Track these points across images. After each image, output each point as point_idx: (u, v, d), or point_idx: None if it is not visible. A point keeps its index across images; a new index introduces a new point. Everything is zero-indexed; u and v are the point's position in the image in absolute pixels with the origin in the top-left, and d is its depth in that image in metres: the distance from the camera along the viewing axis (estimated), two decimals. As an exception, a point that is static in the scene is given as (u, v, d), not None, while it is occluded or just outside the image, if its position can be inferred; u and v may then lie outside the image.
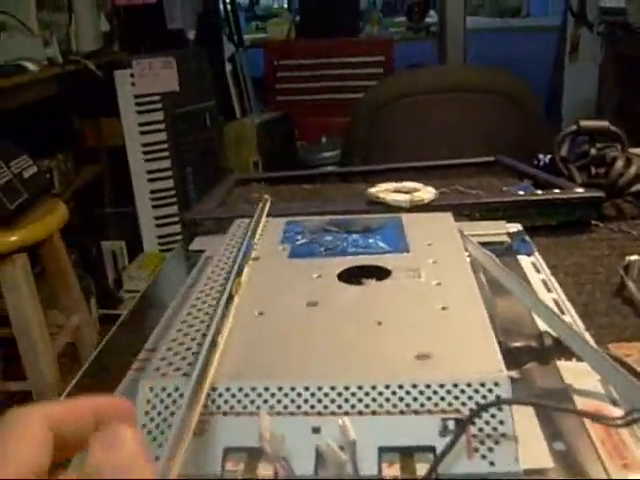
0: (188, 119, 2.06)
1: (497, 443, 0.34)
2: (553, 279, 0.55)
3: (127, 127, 2.03)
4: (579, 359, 0.42)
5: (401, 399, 0.36)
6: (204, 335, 0.42)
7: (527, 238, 0.63)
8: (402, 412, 0.36)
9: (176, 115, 2.04)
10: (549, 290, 0.54)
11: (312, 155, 2.48)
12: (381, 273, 0.50)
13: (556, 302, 0.52)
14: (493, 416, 0.35)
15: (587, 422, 0.38)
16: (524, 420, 0.38)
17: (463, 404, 0.36)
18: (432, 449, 0.34)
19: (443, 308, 0.44)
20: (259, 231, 0.59)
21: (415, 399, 0.36)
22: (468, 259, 0.54)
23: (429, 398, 0.36)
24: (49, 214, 1.30)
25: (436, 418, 0.35)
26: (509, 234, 0.64)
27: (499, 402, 0.35)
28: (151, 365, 0.40)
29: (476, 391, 0.36)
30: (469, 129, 1.34)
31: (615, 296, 0.55)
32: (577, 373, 0.42)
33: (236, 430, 0.36)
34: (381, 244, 0.54)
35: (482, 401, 0.35)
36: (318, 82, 2.69)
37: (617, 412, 0.39)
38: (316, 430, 0.36)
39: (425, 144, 1.27)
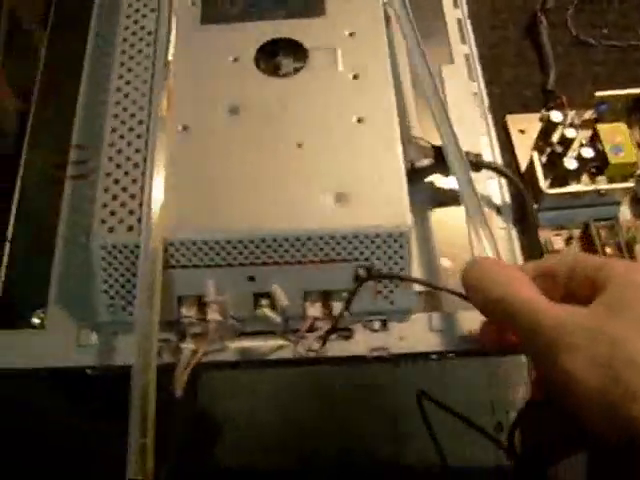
0: None
1: (397, 287, 0.44)
2: (469, 22, 0.55)
3: None
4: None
5: (321, 249, 0.43)
6: (136, 166, 0.45)
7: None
8: (322, 261, 0.43)
9: None
10: (463, 41, 0.54)
11: None
12: (297, 51, 0.49)
13: (467, 57, 0.54)
14: (396, 263, 0.43)
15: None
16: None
17: (372, 253, 0.43)
18: (346, 291, 0.43)
19: (359, 120, 0.46)
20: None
21: (333, 249, 0.43)
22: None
23: (344, 248, 0.43)
24: None
25: (350, 265, 0.43)
26: None
27: (395, 277, 0.43)
28: (95, 215, 0.43)
29: (384, 241, 0.43)
30: None
31: (525, 37, 0.56)
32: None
33: (185, 281, 0.43)
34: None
35: (388, 249, 0.43)
36: None
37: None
38: (252, 278, 0.43)
39: None
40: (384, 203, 0.43)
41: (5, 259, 0.47)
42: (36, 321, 0.45)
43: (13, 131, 0.98)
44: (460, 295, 0.37)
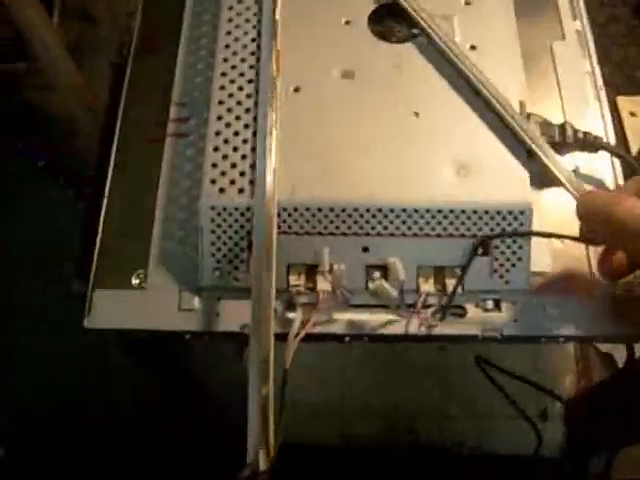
0: None
1: (514, 266, 0.42)
2: (580, -4, 0.53)
3: None
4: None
5: (439, 223, 0.41)
6: (247, 126, 0.43)
7: None
8: (439, 235, 0.42)
9: None
10: (574, 17, 0.52)
11: None
12: (412, 17, 0.47)
13: (579, 34, 0.52)
14: (514, 241, 0.42)
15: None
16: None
17: (492, 230, 0.41)
18: (462, 268, 0.42)
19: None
20: None
21: (451, 223, 0.41)
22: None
23: (463, 223, 0.41)
24: None
25: (467, 242, 0.42)
26: None
27: (516, 234, 0.41)
28: (205, 175, 0.42)
29: (504, 218, 0.41)
30: None
31: (635, 16, 0.54)
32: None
33: (295, 248, 0.42)
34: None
35: (508, 227, 0.41)
36: None
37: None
38: (365, 249, 0.42)
39: None
40: (505, 179, 0.42)
41: (102, 216, 0.45)
42: (136, 282, 0.43)
43: (68, 88, 0.96)
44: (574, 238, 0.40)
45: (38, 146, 0.97)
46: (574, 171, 0.46)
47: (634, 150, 0.49)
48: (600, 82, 0.49)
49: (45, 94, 1.01)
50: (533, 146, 0.43)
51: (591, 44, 0.51)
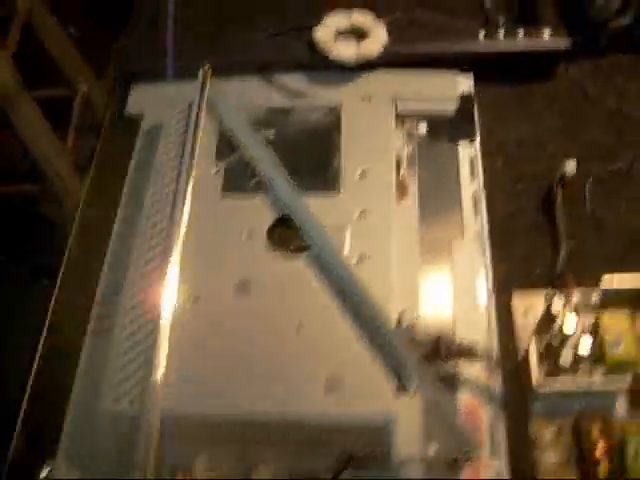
0: None
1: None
2: (483, 195, 0.56)
3: None
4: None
5: (308, 435, 0.45)
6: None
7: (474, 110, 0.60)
8: (309, 445, 0.45)
9: None
10: (476, 216, 0.55)
11: None
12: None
13: (478, 233, 0.55)
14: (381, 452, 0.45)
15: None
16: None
17: (355, 441, 0.45)
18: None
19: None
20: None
21: (319, 435, 0.45)
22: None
23: (330, 435, 0.45)
24: None
25: (335, 452, 0.45)
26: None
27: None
28: (105, 381, 0.47)
29: (366, 431, 0.45)
30: None
31: (541, 209, 0.57)
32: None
33: (177, 455, 0.46)
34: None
35: (372, 439, 0.45)
36: None
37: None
38: (241, 458, 0.46)
39: None
40: (370, 391, 0.45)
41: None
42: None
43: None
44: None
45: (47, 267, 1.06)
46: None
47: (524, 350, 0.51)
48: (490, 283, 0.52)
49: (57, 209, 1.10)
50: (403, 361, 0.46)
51: (487, 245, 0.54)
